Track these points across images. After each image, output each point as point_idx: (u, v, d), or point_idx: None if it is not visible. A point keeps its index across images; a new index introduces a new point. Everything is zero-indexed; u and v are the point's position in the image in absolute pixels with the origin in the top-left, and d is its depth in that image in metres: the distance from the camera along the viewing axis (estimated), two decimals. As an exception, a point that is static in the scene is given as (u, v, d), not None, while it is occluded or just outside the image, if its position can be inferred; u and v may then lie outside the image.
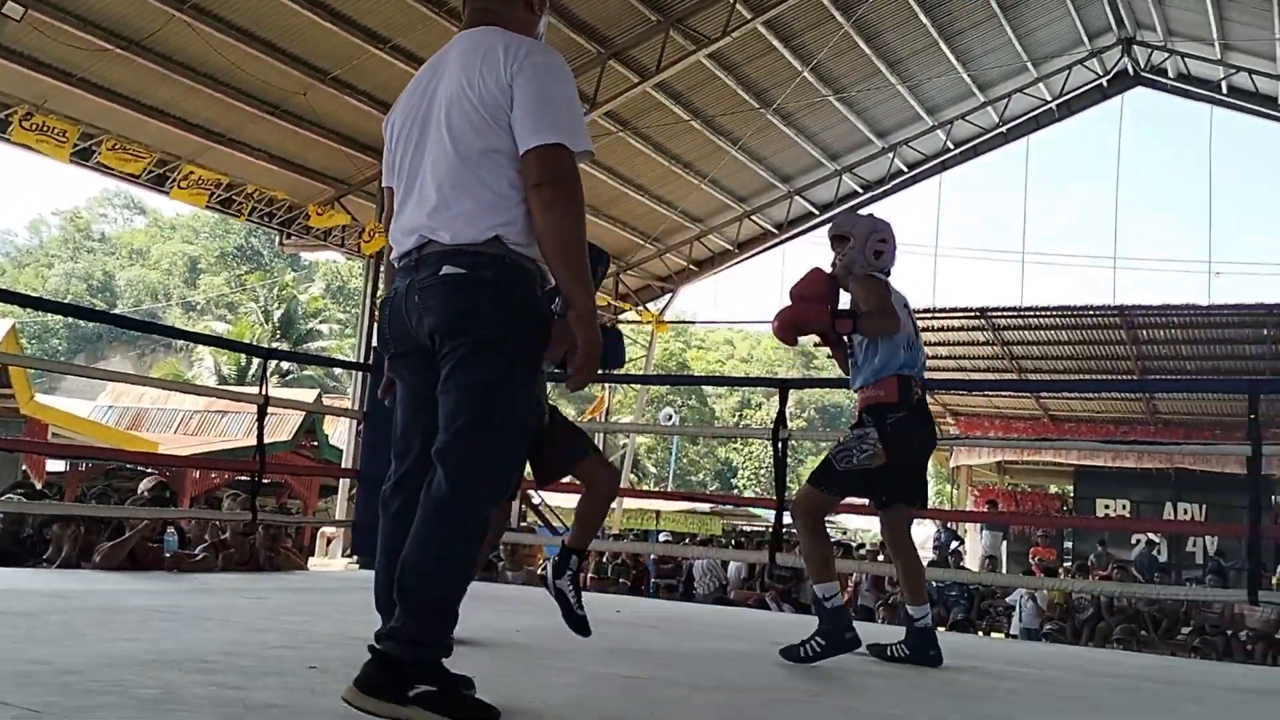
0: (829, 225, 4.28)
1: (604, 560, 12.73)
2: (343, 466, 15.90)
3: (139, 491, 8.22)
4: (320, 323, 40.43)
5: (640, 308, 21.35)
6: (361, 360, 15.03)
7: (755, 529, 25.82)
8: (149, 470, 11.53)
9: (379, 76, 13.94)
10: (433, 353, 2.35)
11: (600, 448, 3.98)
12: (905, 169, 20.31)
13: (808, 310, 3.99)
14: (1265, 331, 16.84)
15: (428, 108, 2.44)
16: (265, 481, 8.02)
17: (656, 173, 18.09)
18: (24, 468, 14.26)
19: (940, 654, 3.83)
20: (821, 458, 3.98)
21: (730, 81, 16.09)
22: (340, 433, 19.31)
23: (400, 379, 2.54)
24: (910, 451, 3.87)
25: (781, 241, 21.29)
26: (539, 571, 10.59)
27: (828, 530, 3.98)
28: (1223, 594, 9.36)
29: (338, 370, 35.60)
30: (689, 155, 17.92)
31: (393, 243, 2.49)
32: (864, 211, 20.45)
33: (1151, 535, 18.05)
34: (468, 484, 2.27)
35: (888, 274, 4.03)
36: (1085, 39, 18.11)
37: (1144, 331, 17.90)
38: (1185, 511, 20.02)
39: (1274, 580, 13.84)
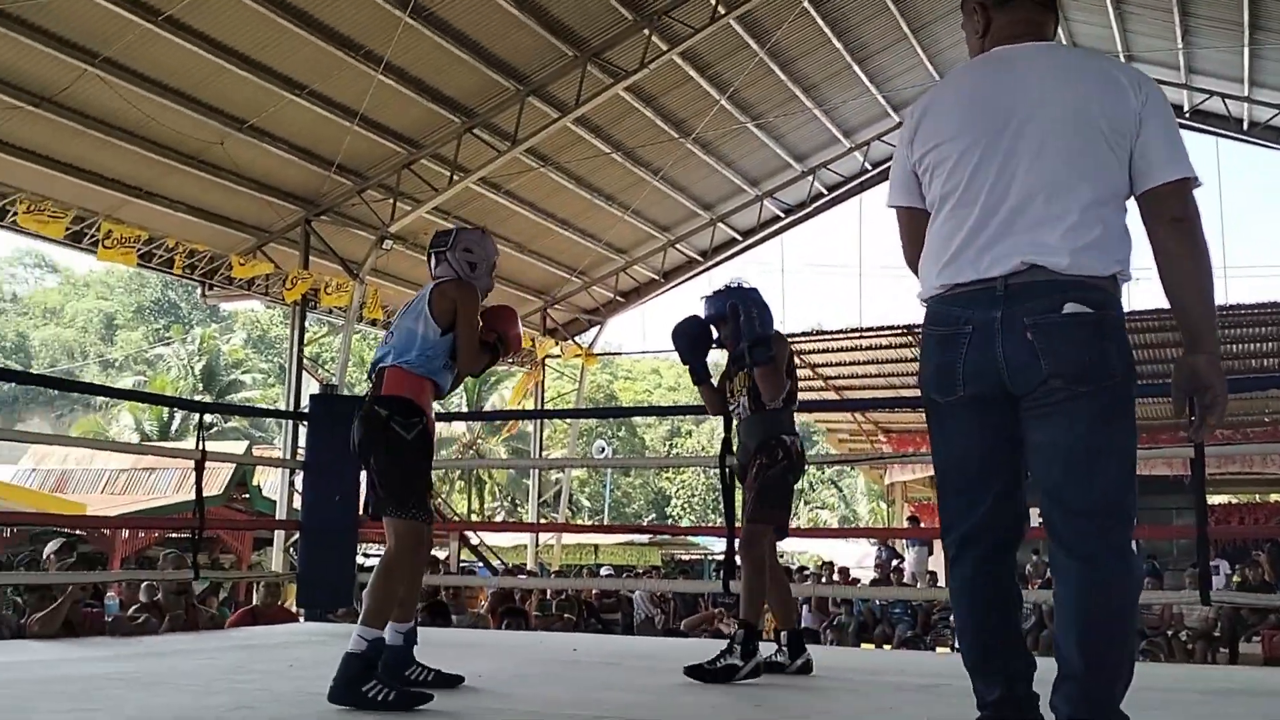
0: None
1: (547, 597, 12.65)
2: (277, 518, 15.71)
3: (45, 555, 7.60)
4: (243, 373, 39.80)
5: (568, 341, 21.34)
6: (292, 409, 14.83)
7: (694, 557, 25.87)
8: (74, 533, 11.18)
9: (296, 123, 13.84)
10: (1008, 396, 2.24)
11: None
12: (825, 191, 20.62)
13: None
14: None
15: (1002, 124, 2.31)
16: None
17: (579, 206, 18.14)
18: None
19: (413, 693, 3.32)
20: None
21: (649, 113, 16.23)
22: (271, 484, 18.99)
23: (955, 421, 2.35)
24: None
25: (706, 269, 21.44)
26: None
27: None
28: (1173, 595, 9.04)
29: (264, 420, 34.95)
30: (611, 188, 18.01)
31: (950, 269, 2.32)
32: (777, 237, 20.78)
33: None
34: (1127, 536, 2.24)
35: None
36: (993, 58, 18.51)
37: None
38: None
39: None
